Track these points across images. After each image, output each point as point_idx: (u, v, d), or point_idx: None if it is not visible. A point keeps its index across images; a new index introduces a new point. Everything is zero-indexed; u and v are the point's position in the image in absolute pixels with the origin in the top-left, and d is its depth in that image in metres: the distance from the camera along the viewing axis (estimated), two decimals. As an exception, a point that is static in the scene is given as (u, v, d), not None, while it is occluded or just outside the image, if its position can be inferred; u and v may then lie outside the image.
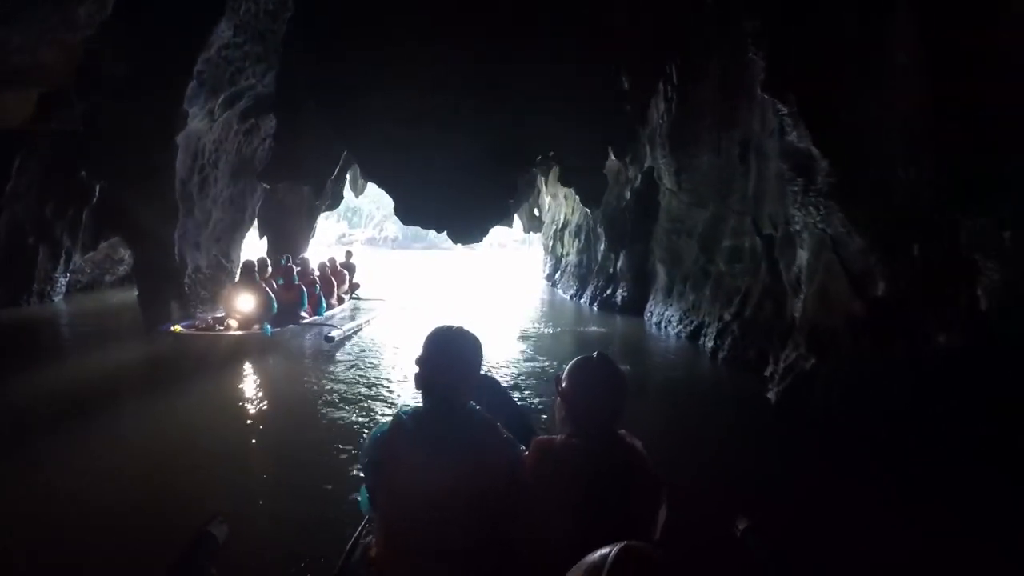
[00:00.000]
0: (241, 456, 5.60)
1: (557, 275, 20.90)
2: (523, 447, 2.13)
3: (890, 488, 5.16)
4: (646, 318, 13.61)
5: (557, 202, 23.19)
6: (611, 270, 15.30)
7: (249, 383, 8.20)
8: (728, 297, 10.57)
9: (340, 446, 5.70)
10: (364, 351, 10.04)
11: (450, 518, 1.95)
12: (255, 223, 16.93)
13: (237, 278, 10.19)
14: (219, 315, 10.10)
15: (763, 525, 2.36)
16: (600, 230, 15.75)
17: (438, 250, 49.66)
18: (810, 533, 4.07)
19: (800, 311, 8.42)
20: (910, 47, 6.55)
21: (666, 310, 12.73)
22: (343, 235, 52.53)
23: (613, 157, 12.65)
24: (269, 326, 9.70)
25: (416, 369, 2.09)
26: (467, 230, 12.30)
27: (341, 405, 7.12)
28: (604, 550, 0.97)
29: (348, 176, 24.61)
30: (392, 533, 2.05)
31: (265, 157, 12.84)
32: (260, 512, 4.45)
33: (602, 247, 15.67)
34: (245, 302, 9.85)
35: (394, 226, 54.07)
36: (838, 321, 7.62)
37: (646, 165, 14.20)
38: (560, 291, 19.18)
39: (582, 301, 16.48)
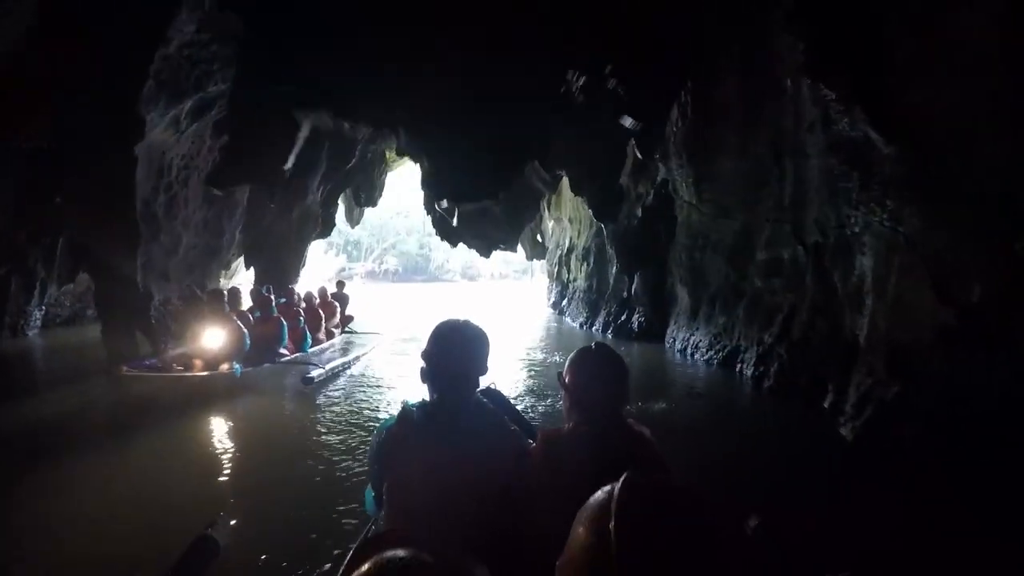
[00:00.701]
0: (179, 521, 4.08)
1: (564, 302, 19.40)
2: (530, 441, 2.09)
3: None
4: (668, 344, 12.13)
5: (561, 226, 21.85)
6: (625, 294, 13.83)
7: (202, 434, 6.68)
8: (768, 317, 9.09)
9: (305, 503, 4.34)
10: (350, 392, 8.61)
11: (458, 510, 1.87)
12: (240, 252, 15.53)
13: (204, 310, 8.66)
14: (183, 352, 8.56)
15: (774, 523, 2.13)
16: (611, 251, 14.30)
17: (439, 282, 49.44)
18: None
19: (867, 328, 6.92)
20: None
21: (691, 335, 11.23)
22: (343, 268, 50.61)
23: (638, 155, 11.06)
24: (239, 365, 8.18)
25: (423, 363, 2.03)
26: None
27: (305, 458, 5.71)
28: (606, 487, 0.94)
29: (343, 205, 23.41)
30: (402, 525, 1.93)
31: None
32: None
33: (614, 270, 14.22)
34: (212, 338, 8.37)
35: (394, 259, 53.87)
36: (923, 335, 6.12)
37: (658, 178, 12.84)
38: (568, 319, 17.65)
39: (594, 329, 14.97)
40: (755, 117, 9.41)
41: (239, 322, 8.68)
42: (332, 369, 9.25)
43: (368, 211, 60.63)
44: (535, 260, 29.33)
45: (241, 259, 15.81)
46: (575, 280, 18.22)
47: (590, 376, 2.05)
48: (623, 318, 13.66)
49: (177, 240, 10.61)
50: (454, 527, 1.80)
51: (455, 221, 13.27)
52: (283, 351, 9.66)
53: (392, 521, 2.01)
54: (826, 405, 7.33)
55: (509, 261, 54.55)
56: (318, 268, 47.33)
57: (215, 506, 4.38)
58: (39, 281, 12.44)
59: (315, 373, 8.31)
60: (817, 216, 8.15)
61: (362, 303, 27.56)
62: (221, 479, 5.23)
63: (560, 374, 2.14)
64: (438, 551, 0.93)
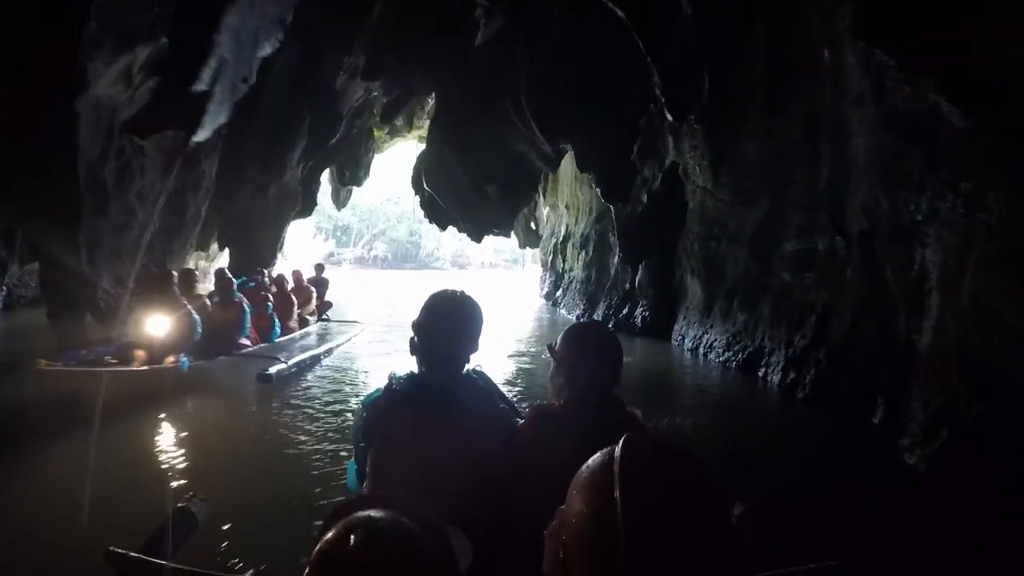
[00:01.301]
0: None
1: (559, 293, 18.16)
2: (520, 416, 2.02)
3: None
4: (675, 342, 10.98)
5: (557, 213, 20.63)
6: (627, 286, 12.63)
7: (124, 443, 5.38)
8: (798, 316, 7.93)
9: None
10: (317, 389, 7.42)
11: (445, 484, 1.76)
12: (214, 231, 14.20)
13: (150, 292, 7.35)
14: (126, 343, 7.28)
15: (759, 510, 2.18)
16: (613, 240, 13.06)
17: (429, 270, 48.56)
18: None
19: (930, 333, 5.76)
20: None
21: (704, 333, 10.06)
22: (331, 254, 49.97)
23: (668, 117, 9.83)
24: (187, 358, 6.92)
25: (413, 335, 1.97)
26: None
27: (247, 470, 4.68)
28: (605, 450, 0.92)
29: (328, 186, 22.07)
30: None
31: (214, 142, 10.03)
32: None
33: (616, 260, 13.00)
34: (157, 326, 7.05)
35: (384, 246, 53.13)
36: (1007, 344, 4.96)
37: (667, 161, 11.61)
38: (564, 311, 16.41)
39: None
40: (783, 93, 8.29)
41: (190, 308, 7.37)
42: (298, 363, 7.99)
43: (358, 196, 59.65)
44: (528, 249, 28.06)
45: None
46: (571, 270, 16.98)
47: (584, 351, 2.01)
48: (625, 311, 12.45)
49: (130, 214, 9.27)
50: (439, 501, 1.55)
51: (458, 179, 11.90)
52: (244, 341, 8.38)
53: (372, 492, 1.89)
54: (876, 420, 6.21)
55: (500, 250, 54.70)
56: (306, 252, 46.84)
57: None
58: (-1, 260, 11.04)
59: (274, 369, 7.06)
60: (864, 201, 6.96)
61: (349, 289, 26.40)
62: (135, 496, 3.96)
63: (552, 345, 2.10)
64: (416, 514, 0.92)
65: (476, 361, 2.12)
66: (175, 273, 7.67)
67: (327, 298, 12.85)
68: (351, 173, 17.28)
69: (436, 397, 1.91)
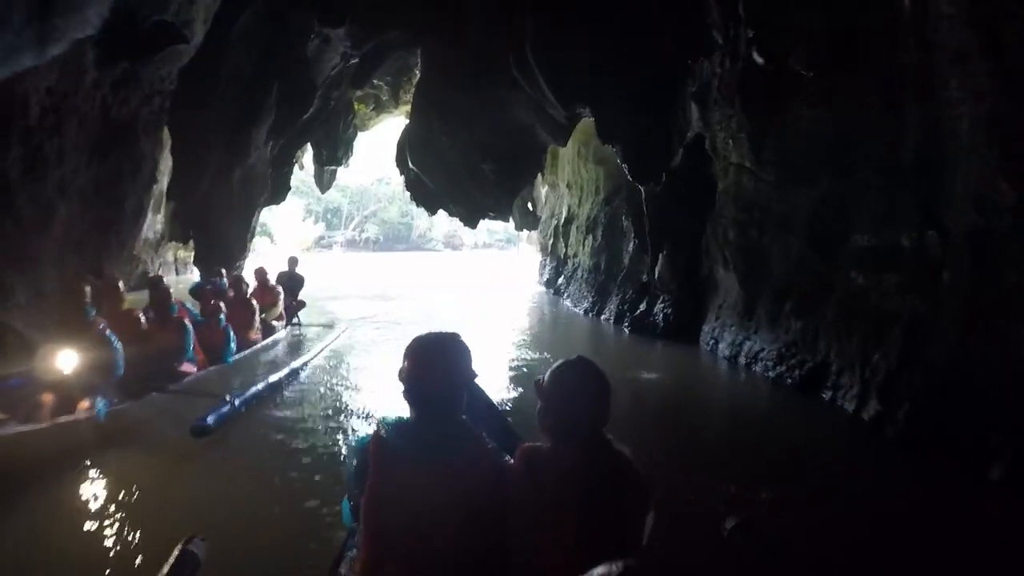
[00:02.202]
0: None
1: (561, 281, 16.44)
2: (507, 456, 2.00)
3: None
4: (704, 346, 9.43)
5: (557, 193, 18.87)
6: (645, 278, 10.90)
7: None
8: (876, 328, 6.34)
9: None
10: (280, 430, 5.84)
11: (437, 531, 1.79)
12: (171, 224, 12.38)
13: (55, 317, 5.65)
14: (27, 381, 5.66)
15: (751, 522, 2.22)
16: (627, 224, 11.34)
17: (421, 251, 47.23)
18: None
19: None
20: None
21: (745, 339, 8.46)
22: (321, 237, 48.76)
23: (757, 58, 8.16)
24: (104, 402, 5.29)
25: (402, 382, 1.92)
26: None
27: None
28: (602, 569, 0.94)
29: (312, 167, 20.18)
30: (376, 546, 1.87)
31: (155, 118, 8.22)
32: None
33: (631, 247, 11.27)
34: (65, 359, 5.37)
35: (375, 227, 51.78)
36: None
37: (690, 134, 9.87)
38: (569, 303, 14.68)
39: (603, 318, 12.07)
40: (848, 50, 6.66)
41: (107, 333, 5.69)
42: (254, 396, 6.31)
43: (348, 178, 57.83)
44: (525, 231, 26.25)
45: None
46: (575, 256, 15.25)
47: (571, 391, 1.91)
48: (642, 308, 10.78)
49: (46, 210, 7.48)
50: (429, 551, 1.80)
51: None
52: (188, 368, 6.72)
53: (366, 541, 1.89)
54: (995, 478, 4.62)
55: (493, 230, 53.30)
56: (295, 236, 45.25)
57: None
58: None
59: (213, 418, 5.35)
60: (974, 187, 5.31)
61: (335, 277, 24.73)
62: None
63: (539, 381, 2.01)
64: None
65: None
66: (93, 284, 5.93)
67: (301, 296, 11.09)
68: (329, 152, 15.29)
69: (425, 445, 1.87)
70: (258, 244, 42.74)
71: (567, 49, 8.19)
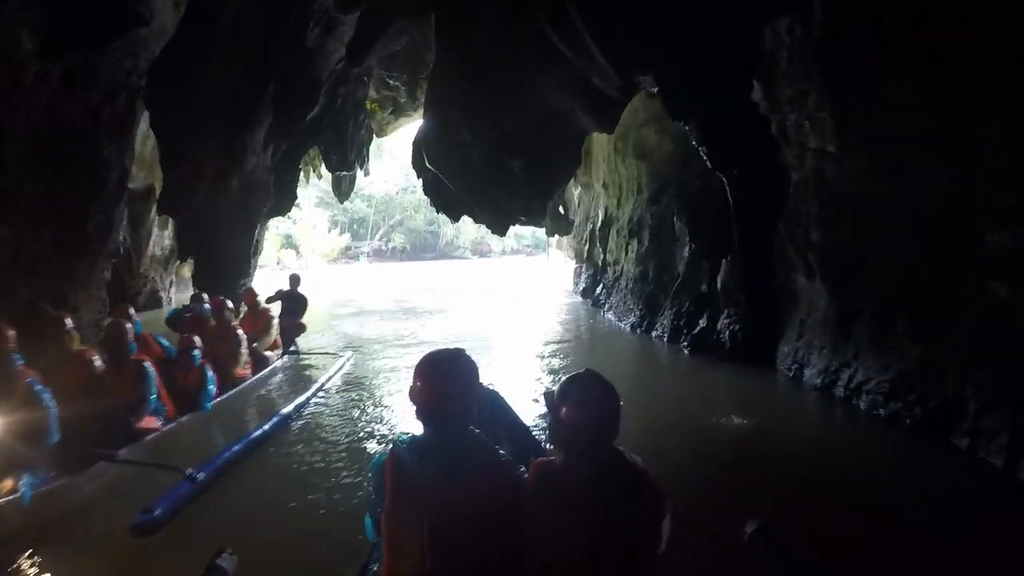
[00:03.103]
0: None
1: (600, 290, 14.91)
2: (523, 467, 2.06)
3: None
4: (784, 371, 7.88)
5: (591, 194, 17.44)
6: (704, 288, 9.35)
7: None
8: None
9: None
10: (260, 504, 4.59)
11: (454, 545, 1.87)
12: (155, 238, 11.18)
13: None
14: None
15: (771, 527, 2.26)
16: (679, 225, 9.80)
17: (449, 260, 47.26)
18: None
19: None
20: None
21: (842, 365, 6.95)
22: (348, 248, 48.81)
23: None
24: (30, 481, 4.07)
25: (413, 401, 2.02)
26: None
27: None
28: None
29: (328, 175, 19.00)
30: (397, 561, 1.96)
31: (122, 119, 6.98)
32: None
33: (686, 252, 9.73)
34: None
35: (401, 237, 51.89)
36: None
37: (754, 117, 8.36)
38: (611, 316, 13.14)
39: (655, 335, 10.50)
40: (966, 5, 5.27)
41: (36, 388, 4.43)
42: (223, 465, 4.96)
43: (372, 186, 57.34)
44: (557, 235, 24.74)
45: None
46: (617, 263, 13.71)
47: (583, 405, 1.96)
48: (703, 324, 9.23)
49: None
50: (448, 563, 1.88)
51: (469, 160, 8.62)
52: (149, 423, 5.42)
53: (388, 554, 1.97)
54: None
55: (521, 235, 53.38)
56: (321, 247, 45.09)
57: None
58: None
59: (163, 507, 4.03)
60: None
61: (360, 288, 23.63)
62: None
63: (549, 394, 2.10)
64: None
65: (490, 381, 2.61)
66: (10, 331, 4.64)
67: (302, 319, 9.76)
68: (339, 156, 13.95)
69: (440, 461, 1.92)
70: (284, 256, 43.56)
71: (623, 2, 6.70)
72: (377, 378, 8.33)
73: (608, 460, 1.92)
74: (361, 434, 6.20)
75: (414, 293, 21.32)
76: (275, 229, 46.34)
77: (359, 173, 25.38)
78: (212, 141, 10.01)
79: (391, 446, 1.99)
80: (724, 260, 8.92)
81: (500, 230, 10.59)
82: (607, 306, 13.69)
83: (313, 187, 42.41)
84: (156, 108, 9.71)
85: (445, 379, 1.99)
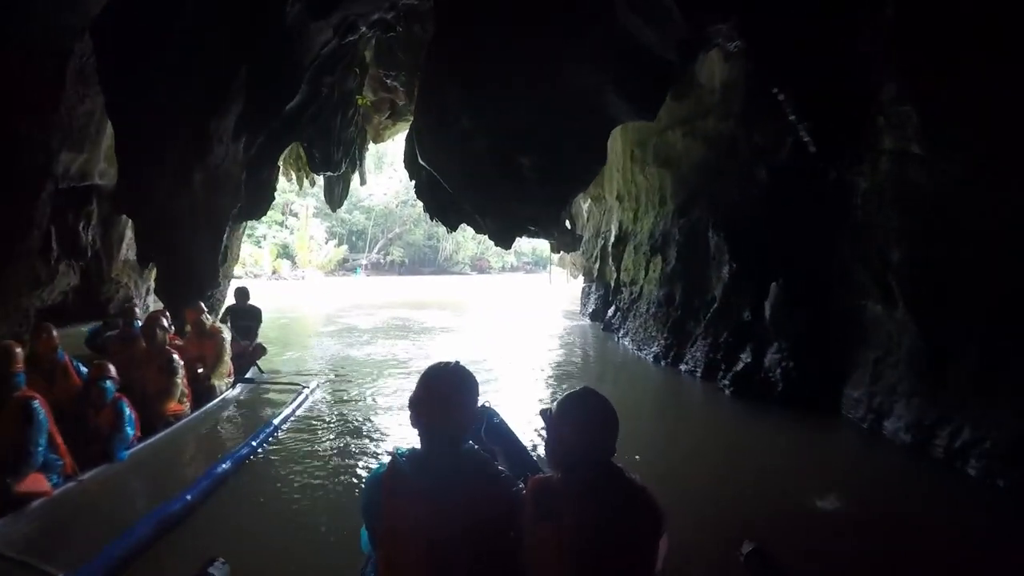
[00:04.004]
0: None
1: (613, 314, 13.43)
2: (521, 482, 2.07)
3: None
4: (854, 420, 6.48)
5: (602, 207, 16.13)
6: (747, 315, 7.90)
7: None
8: None
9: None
10: None
11: (450, 560, 1.88)
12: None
13: None
14: None
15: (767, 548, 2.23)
16: (717, 240, 8.38)
17: (448, 275, 46.55)
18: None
19: None
20: None
21: (938, 418, 5.53)
22: (345, 260, 48.20)
23: None
24: None
25: (411, 411, 2.01)
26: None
27: None
28: None
29: (321, 180, 17.63)
30: (392, 573, 1.98)
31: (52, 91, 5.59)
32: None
33: (725, 272, 8.28)
34: None
35: (400, 250, 51.42)
36: None
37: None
38: (627, 343, 11.66)
39: (684, 368, 9.05)
40: None
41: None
42: (135, 549, 3.53)
43: (372, 199, 56.46)
44: (563, 252, 23.32)
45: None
46: (633, 283, 12.25)
47: (582, 423, 1.98)
48: (745, 359, 7.76)
49: None
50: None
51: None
52: (35, 481, 3.99)
53: (383, 568, 1.99)
54: None
55: (521, 252, 53.02)
56: (317, 259, 44.49)
57: None
58: None
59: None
60: None
61: (353, 302, 22.26)
62: None
63: (546, 412, 2.15)
64: None
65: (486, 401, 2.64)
66: None
67: (259, 340, 8.32)
68: (323, 155, 12.48)
69: (437, 474, 1.93)
70: (280, 266, 42.55)
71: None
72: (349, 416, 6.85)
73: (606, 477, 1.94)
74: (315, 501, 4.73)
75: (410, 309, 20.10)
76: (272, 239, 45.87)
77: (355, 182, 24.09)
78: (174, 129, 8.64)
79: (390, 458, 2.00)
80: (774, 283, 7.48)
81: (505, 242, 9.12)
82: (622, 331, 12.21)
83: (311, 196, 41.62)
84: (111, 85, 8.38)
85: (444, 390, 1.98)
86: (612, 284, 14.31)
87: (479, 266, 51.16)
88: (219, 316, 8.55)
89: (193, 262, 9.99)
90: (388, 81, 18.06)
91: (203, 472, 4.73)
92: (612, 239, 14.40)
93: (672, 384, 8.90)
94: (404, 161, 9.40)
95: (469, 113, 6.95)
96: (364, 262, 49.09)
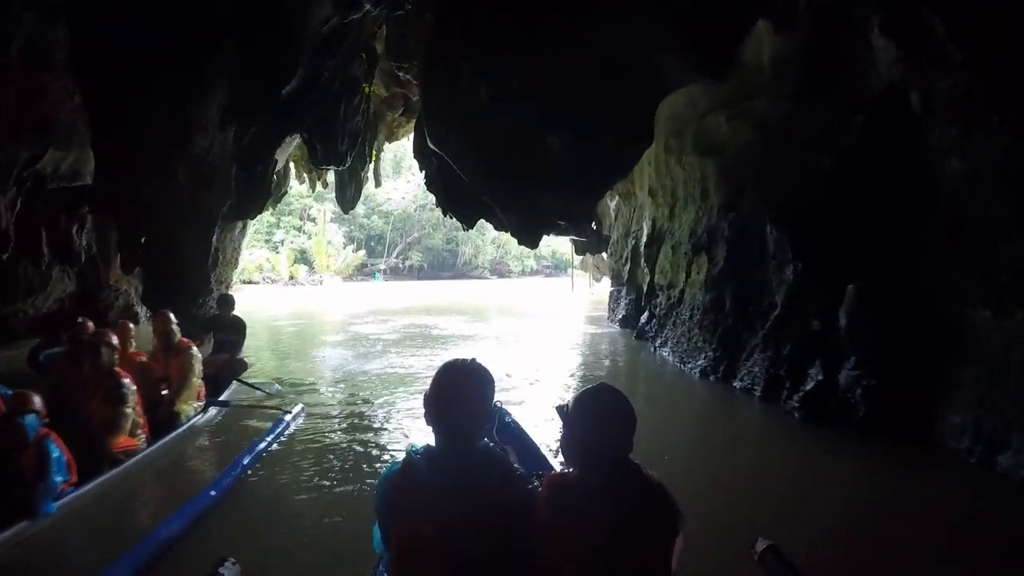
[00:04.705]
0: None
1: (647, 320, 12.26)
2: (535, 480, 2.05)
3: None
4: (959, 450, 5.28)
5: (631, 204, 15.03)
6: (816, 324, 6.72)
7: None
8: None
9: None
10: None
11: (464, 558, 1.87)
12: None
13: None
14: None
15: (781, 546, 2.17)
16: (777, 236, 7.21)
17: (467, 279, 46.82)
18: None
19: None
20: None
21: None
22: (364, 265, 49.08)
23: None
24: None
25: (426, 407, 2.01)
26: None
27: None
28: None
29: (334, 180, 16.77)
30: (407, 573, 1.96)
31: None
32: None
33: (788, 274, 7.11)
34: None
35: (419, 255, 52.53)
36: None
37: (878, 88, 6.23)
38: (667, 354, 10.46)
39: (737, 385, 7.91)
40: None
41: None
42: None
43: (390, 202, 56.30)
44: (585, 255, 22.20)
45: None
46: (672, 287, 11.07)
47: (599, 419, 1.96)
48: (815, 375, 6.57)
49: None
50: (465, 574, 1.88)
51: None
52: None
53: (396, 566, 1.98)
54: None
55: (541, 255, 53.20)
56: (335, 264, 45.62)
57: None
58: None
59: None
60: None
61: (368, 308, 21.46)
62: None
63: (562, 408, 2.12)
64: None
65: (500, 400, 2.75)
66: None
67: (243, 354, 7.34)
68: (325, 148, 11.43)
69: (451, 471, 1.92)
70: (297, 271, 42.28)
71: None
72: (339, 446, 5.78)
73: (623, 473, 1.92)
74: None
75: (427, 316, 19.35)
76: (290, 244, 45.77)
77: (370, 186, 23.21)
78: (154, 114, 7.71)
79: (404, 455, 2.00)
80: (850, 286, 6.29)
81: (530, 240, 7.99)
82: (659, 340, 11.04)
83: (329, 201, 41.31)
84: (85, 68, 7.48)
85: (455, 388, 1.98)
86: (645, 288, 13.13)
87: (498, 270, 51.79)
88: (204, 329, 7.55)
89: (181, 266, 9.04)
90: (401, 74, 17.06)
91: (145, 534, 3.71)
92: (644, 238, 13.24)
93: (726, 404, 7.70)
94: (413, 150, 8.36)
95: (486, 81, 5.79)
96: (383, 267, 50.01)
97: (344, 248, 47.95)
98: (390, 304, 24.56)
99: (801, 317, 7.05)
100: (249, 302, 28.36)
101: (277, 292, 33.63)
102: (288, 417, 6.14)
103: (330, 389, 8.22)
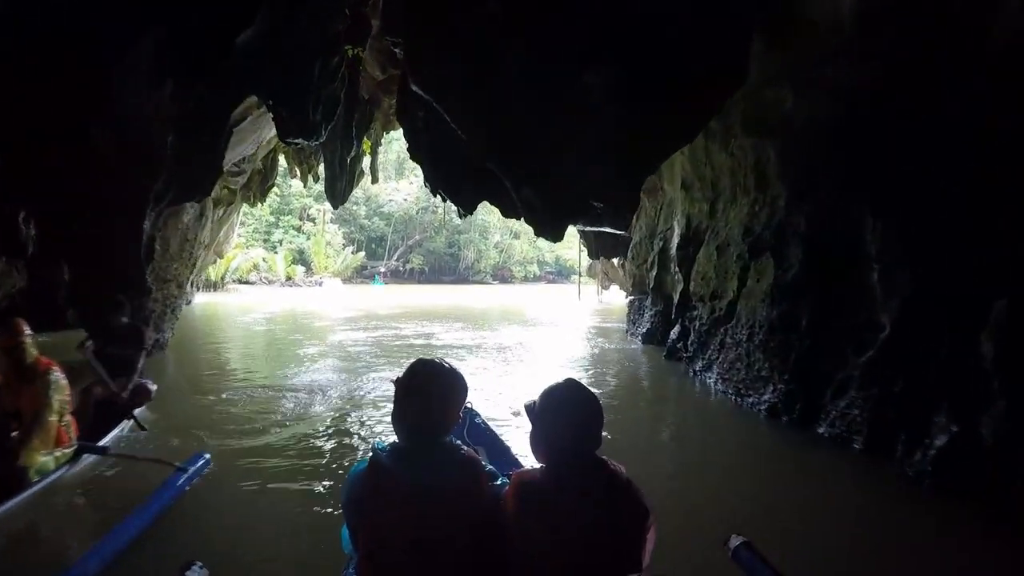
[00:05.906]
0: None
1: (679, 336, 10.48)
2: (504, 477, 2.09)
3: None
4: None
5: (658, 200, 13.41)
6: (941, 353, 4.89)
7: None
8: None
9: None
10: None
11: (433, 557, 1.88)
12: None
13: None
14: None
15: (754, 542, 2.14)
16: (883, 232, 5.42)
17: (468, 284, 47.10)
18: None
19: None
20: None
21: None
22: (363, 267, 48.92)
23: None
24: None
25: (394, 407, 2.03)
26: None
27: None
28: None
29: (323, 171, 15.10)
30: (376, 573, 1.95)
31: None
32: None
33: (903, 283, 5.28)
34: None
35: (420, 258, 52.48)
36: None
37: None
38: (714, 382, 8.58)
39: (822, 432, 6.14)
40: None
41: None
42: None
43: (391, 204, 55.33)
44: (592, 261, 20.47)
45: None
46: (716, 298, 9.25)
47: (564, 415, 1.99)
48: (953, 431, 4.73)
49: None
50: (433, 570, 1.87)
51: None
52: None
53: (365, 566, 1.96)
54: None
55: (543, 260, 53.84)
56: (334, 265, 45.37)
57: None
58: None
59: None
60: None
61: (364, 313, 20.03)
62: None
63: (530, 406, 2.10)
64: None
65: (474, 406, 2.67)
66: None
67: (145, 378, 5.64)
68: (293, 114, 9.43)
69: (417, 469, 1.92)
70: (294, 272, 41.03)
71: None
72: (250, 521, 4.04)
73: (591, 469, 1.94)
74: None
75: (424, 323, 18.09)
76: (288, 244, 44.59)
77: (365, 178, 21.43)
78: (60, 64, 5.98)
79: (371, 454, 1.96)
80: (1000, 301, 4.50)
81: (551, 228, 6.13)
82: (700, 362, 9.20)
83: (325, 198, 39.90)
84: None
85: (428, 388, 1.99)
86: (677, 297, 11.32)
87: (501, 275, 52.14)
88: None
89: (109, 259, 7.32)
90: (397, 51, 15.29)
91: None
92: (676, 240, 11.46)
93: (810, 462, 5.67)
94: (396, 111, 6.63)
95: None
96: (383, 269, 50.06)
97: (344, 249, 47.87)
98: (386, 308, 23.56)
99: (919, 342, 5.23)
100: (232, 300, 26.65)
101: (271, 293, 32.57)
102: (185, 475, 4.23)
103: (262, 434, 6.14)
